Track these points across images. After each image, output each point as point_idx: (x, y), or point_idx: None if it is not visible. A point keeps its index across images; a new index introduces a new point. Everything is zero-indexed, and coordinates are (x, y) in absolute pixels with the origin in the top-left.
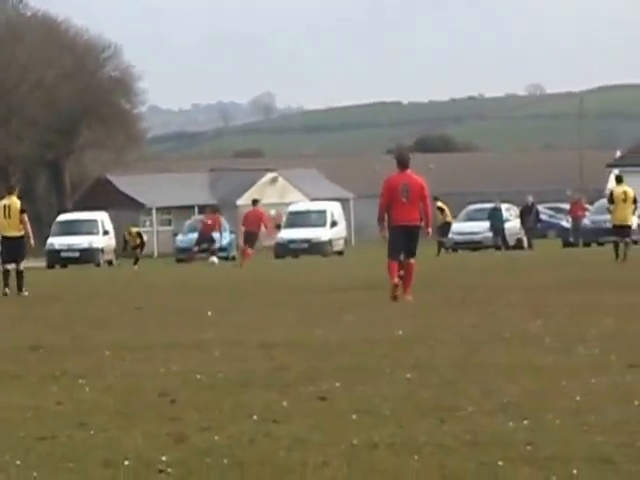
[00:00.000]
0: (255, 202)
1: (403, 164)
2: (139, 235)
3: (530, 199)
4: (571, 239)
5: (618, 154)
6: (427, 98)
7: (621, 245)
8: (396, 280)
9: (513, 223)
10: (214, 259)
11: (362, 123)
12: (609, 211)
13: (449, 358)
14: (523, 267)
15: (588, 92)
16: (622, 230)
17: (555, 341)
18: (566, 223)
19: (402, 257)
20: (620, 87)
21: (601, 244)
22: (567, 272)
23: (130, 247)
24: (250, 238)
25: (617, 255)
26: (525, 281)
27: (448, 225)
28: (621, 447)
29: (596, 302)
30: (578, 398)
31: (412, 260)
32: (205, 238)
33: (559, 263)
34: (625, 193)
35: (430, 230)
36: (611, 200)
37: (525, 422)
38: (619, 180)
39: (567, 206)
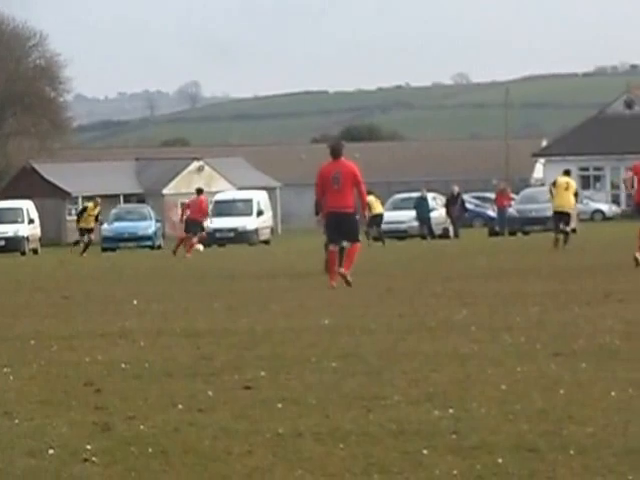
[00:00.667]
0: (199, 191)
1: (336, 153)
2: (97, 218)
3: (456, 188)
4: (497, 228)
5: (544, 144)
6: (354, 87)
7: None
8: (333, 283)
9: (439, 212)
10: (199, 246)
11: (289, 112)
12: (551, 193)
13: (375, 347)
14: (449, 256)
15: (514, 82)
16: (561, 217)
17: (480, 330)
18: (492, 212)
19: (345, 244)
20: (545, 77)
21: (526, 233)
22: (493, 261)
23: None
24: (193, 226)
25: (557, 242)
26: (451, 270)
27: (379, 217)
28: (546, 435)
29: (522, 291)
30: (503, 387)
31: (357, 243)
32: (194, 223)
33: (485, 252)
34: (567, 183)
35: (366, 214)
36: (553, 188)
37: (450, 411)
38: (566, 173)
39: (493, 195)
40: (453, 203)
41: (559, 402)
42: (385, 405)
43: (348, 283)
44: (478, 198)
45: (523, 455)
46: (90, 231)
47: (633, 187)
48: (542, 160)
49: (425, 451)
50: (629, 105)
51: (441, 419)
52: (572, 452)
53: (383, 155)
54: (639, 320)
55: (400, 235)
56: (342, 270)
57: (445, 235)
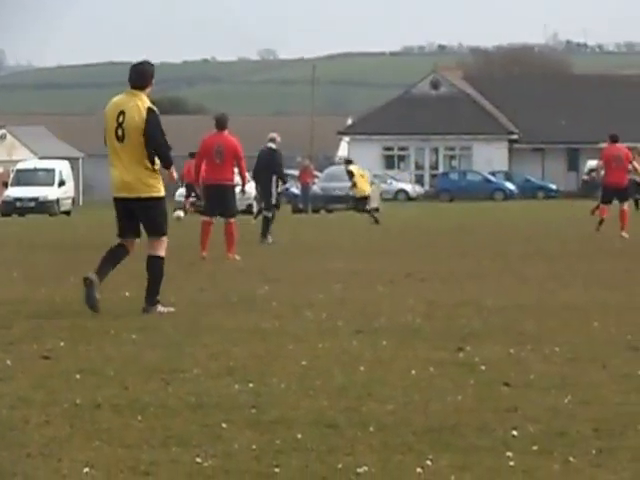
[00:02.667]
0: None
1: (220, 125)
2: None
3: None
4: (300, 205)
5: (349, 122)
6: (159, 59)
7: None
8: (204, 254)
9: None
10: (180, 213)
11: (93, 83)
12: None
13: (176, 321)
14: (251, 233)
15: (321, 59)
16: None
17: (282, 306)
18: (295, 189)
19: (222, 219)
20: (353, 55)
21: (330, 211)
22: (296, 238)
23: None
24: None
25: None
26: (255, 247)
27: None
28: (346, 412)
29: (325, 268)
30: (304, 363)
31: (231, 220)
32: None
33: (288, 229)
34: (359, 171)
35: (246, 189)
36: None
37: (250, 385)
38: (348, 162)
39: (297, 172)
40: None
41: (359, 379)
42: (184, 378)
43: (235, 260)
44: None
45: (322, 431)
46: None
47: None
48: (347, 138)
49: (224, 425)
50: (435, 85)
51: (241, 393)
52: (372, 429)
53: (188, 128)
54: (440, 300)
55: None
56: (229, 256)
57: (249, 211)
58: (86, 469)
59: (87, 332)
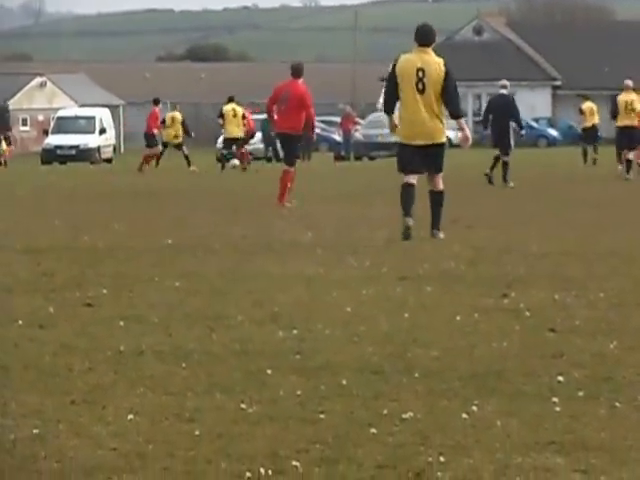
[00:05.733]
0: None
1: (294, 73)
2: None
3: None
4: (342, 153)
5: (390, 68)
6: (200, 7)
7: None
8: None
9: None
10: (236, 161)
11: (133, 30)
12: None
13: (219, 268)
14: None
15: (362, 5)
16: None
17: (326, 252)
18: (338, 137)
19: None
20: (394, 2)
21: (372, 158)
22: (339, 185)
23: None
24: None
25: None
26: (298, 193)
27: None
28: (391, 358)
29: (368, 215)
30: (348, 309)
31: (285, 168)
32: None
33: (331, 176)
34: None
35: (314, 136)
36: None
37: (295, 332)
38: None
39: (339, 119)
40: None
41: (404, 325)
42: (228, 325)
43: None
44: (324, 122)
45: (367, 377)
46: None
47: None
48: None
49: (269, 371)
50: (478, 32)
51: (285, 340)
52: (417, 375)
53: (229, 76)
54: (485, 246)
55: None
56: (279, 203)
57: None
58: (130, 416)
59: (130, 279)
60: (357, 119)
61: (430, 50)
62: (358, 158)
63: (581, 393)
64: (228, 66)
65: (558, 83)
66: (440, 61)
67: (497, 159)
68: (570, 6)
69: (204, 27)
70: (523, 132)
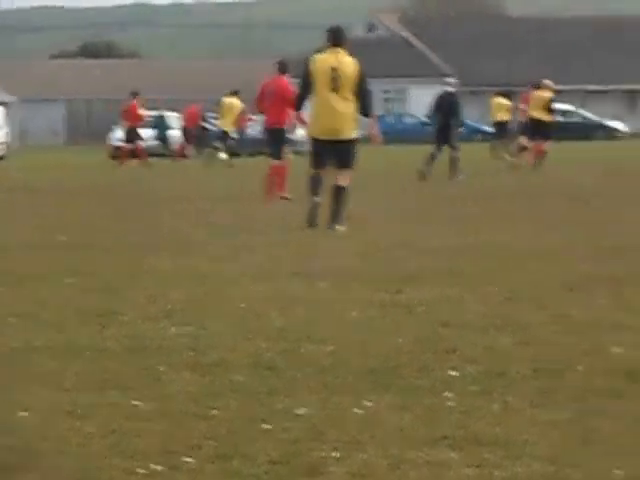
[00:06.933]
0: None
1: (280, 69)
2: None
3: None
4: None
5: None
6: (90, 3)
7: None
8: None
9: (178, 131)
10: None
11: (24, 27)
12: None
13: (113, 265)
14: (188, 175)
15: (257, 2)
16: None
17: (220, 249)
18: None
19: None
20: None
21: (252, 155)
22: (234, 182)
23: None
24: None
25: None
26: (190, 191)
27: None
28: (284, 353)
29: (264, 211)
30: (242, 305)
31: (276, 162)
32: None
33: (222, 173)
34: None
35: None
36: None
37: (188, 328)
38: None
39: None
40: None
41: (298, 321)
42: (122, 321)
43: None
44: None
45: (261, 373)
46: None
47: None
48: None
49: (162, 367)
50: (371, 28)
51: (179, 336)
52: (311, 371)
53: (123, 72)
54: (379, 242)
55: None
56: (278, 195)
57: (182, 154)
58: (22, 413)
59: (21, 277)
60: (250, 115)
61: (343, 50)
62: (252, 155)
63: (474, 388)
64: (121, 63)
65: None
66: (353, 61)
67: (433, 156)
68: (463, 2)
69: (96, 23)
70: (461, 129)
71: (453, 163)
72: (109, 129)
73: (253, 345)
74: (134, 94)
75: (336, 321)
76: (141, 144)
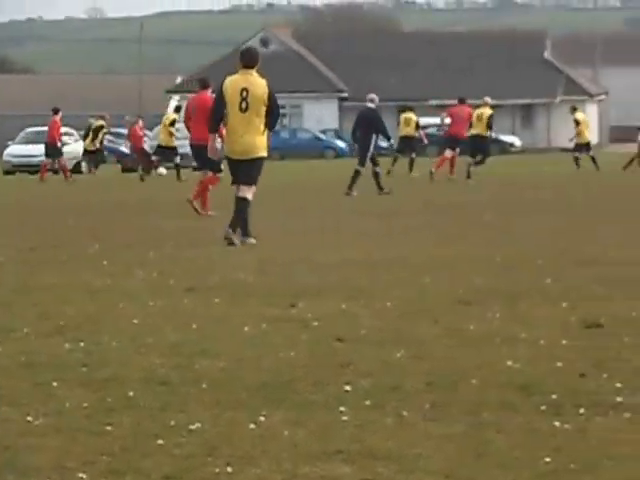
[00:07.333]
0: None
1: (201, 85)
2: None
3: (94, 121)
4: (130, 164)
5: (178, 80)
6: None
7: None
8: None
9: (73, 147)
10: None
11: None
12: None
13: (4, 280)
14: (83, 191)
15: (148, 17)
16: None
17: (113, 264)
18: (125, 148)
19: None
20: (180, 13)
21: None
22: (127, 196)
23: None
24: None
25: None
26: (84, 204)
27: None
28: (178, 369)
29: (156, 226)
30: (136, 321)
31: (208, 173)
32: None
33: (118, 187)
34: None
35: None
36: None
37: (81, 344)
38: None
39: (126, 131)
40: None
41: (192, 336)
42: (14, 338)
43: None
44: (112, 134)
45: (154, 388)
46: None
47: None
48: (176, 97)
49: (55, 383)
50: (265, 43)
51: (72, 352)
52: (204, 386)
53: (16, 88)
54: (273, 256)
55: (33, 169)
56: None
57: (79, 170)
58: None
59: None
60: (144, 131)
61: (254, 72)
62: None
63: (368, 402)
64: (15, 78)
65: (345, 95)
66: (264, 82)
67: (357, 172)
68: (357, 17)
69: None
70: (391, 142)
71: (376, 178)
72: (4, 145)
73: (147, 360)
74: (55, 111)
75: (230, 336)
76: (63, 160)
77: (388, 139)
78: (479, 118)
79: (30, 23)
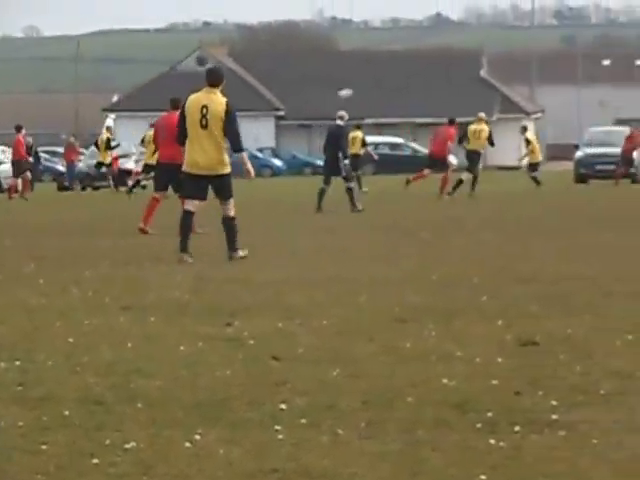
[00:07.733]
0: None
1: (171, 106)
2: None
3: (30, 140)
4: (66, 183)
5: (115, 98)
6: None
7: None
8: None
9: (6, 166)
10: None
11: None
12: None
13: None
14: (18, 211)
15: (84, 36)
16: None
17: (49, 283)
18: (61, 167)
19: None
20: (116, 32)
21: (97, 188)
22: (63, 216)
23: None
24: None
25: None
26: (20, 224)
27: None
28: (113, 388)
29: (91, 246)
30: (71, 340)
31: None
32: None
33: (55, 207)
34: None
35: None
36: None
37: (17, 363)
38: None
39: (62, 150)
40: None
41: (127, 355)
42: None
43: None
44: (47, 152)
45: (90, 407)
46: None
47: None
48: (113, 115)
49: None
50: (201, 62)
51: (7, 371)
52: (140, 405)
53: None
54: (209, 275)
55: None
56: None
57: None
58: None
59: None
60: (80, 149)
61: (217, 90)
62: (84, 188)
63: (304, 420)
64: None
65: (281, 113)
66: (223, 100)
67: (323, 190)
68: (293, 36)
69: None
70: (347, 162)
71: (349, 194)
72: None
73: (82, 379)
74: (18, 128)
75: (166, 355)
76: (27, 176)
77: (345, 157)
78: (476, 135)
79: None
